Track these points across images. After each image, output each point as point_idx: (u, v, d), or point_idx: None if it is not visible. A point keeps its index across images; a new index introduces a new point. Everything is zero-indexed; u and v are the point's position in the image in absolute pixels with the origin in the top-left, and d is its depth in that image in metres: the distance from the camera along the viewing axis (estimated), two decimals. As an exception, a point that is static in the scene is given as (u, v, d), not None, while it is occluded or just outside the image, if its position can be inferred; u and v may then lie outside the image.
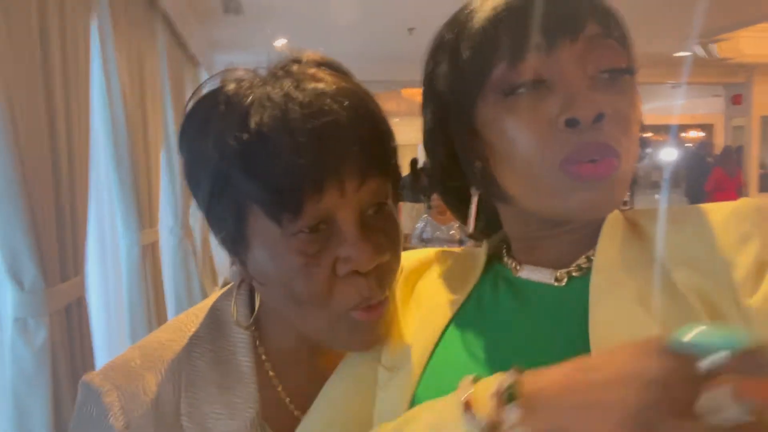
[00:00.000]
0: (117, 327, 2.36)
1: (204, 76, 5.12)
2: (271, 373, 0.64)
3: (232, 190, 0.52)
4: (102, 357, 2.05)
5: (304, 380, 0.64)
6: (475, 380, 0.40)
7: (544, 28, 0.46)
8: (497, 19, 0.47)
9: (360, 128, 0.52)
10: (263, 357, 0.64)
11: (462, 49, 0.50)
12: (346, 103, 0.52)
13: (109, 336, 2.29)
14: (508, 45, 0.47)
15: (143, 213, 2.54)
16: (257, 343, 0.64)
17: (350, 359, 0.59)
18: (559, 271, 0.51)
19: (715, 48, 5.12)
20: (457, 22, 0.51)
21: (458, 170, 0.55)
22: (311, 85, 0.52)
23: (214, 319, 0.64)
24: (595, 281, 0.47)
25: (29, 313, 1.47)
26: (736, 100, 7.30)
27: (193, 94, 0.61)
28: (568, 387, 0.34)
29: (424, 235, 3.92)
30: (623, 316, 0.44)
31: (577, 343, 0.44)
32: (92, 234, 2.17)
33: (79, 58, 1.77)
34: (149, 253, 2.63)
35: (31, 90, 1.45)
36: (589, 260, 0.50)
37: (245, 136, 0.50)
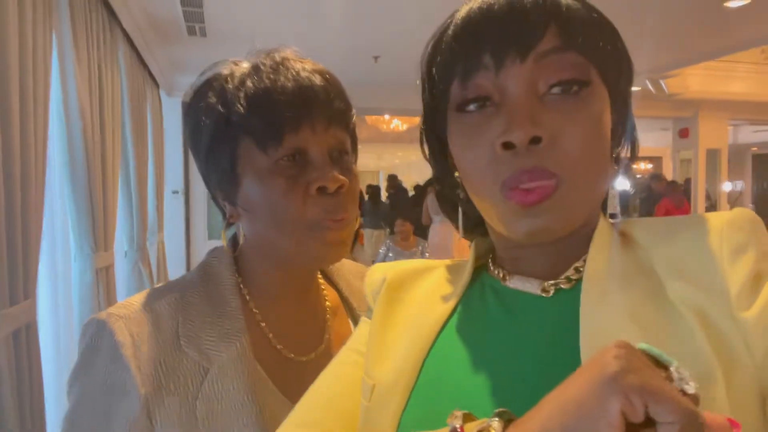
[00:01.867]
0: (67, 353, 2.24)
1: (164, 96, 5.04)
2: (255, 311, 0.75)
3: (231, 129, 0.69)
4: (51, 384, 1.93)
5: (284, 318, 0.77)
6: (465, 418, 0.38)
7: (493, 46, 0.45)
8: (456, 38, 0.47)
9: (329, 91, 0.71)
10: (247, 297, 0.75)
11: (432, 69, 0.51)
12: (320, 75, 0.71)
13: (58, 362, 2.17)
14: (462, 62, 0.47)
15: (98, 235, 2.44)
16: (241, 286, 0.76)
17: (338, 359, 0.59)
18: (546, 282, 0.50)
19: (663, 83, 5.37)
20: (437, 36, 0.51)
21: (445, 175, 0.56)
22: (296, 63, 0.72)
23: (204, 269, 0.76)
24: (586, 294, 0.45)
25: (-27, 339, 1.38)
26: (683, 133, 7.65)
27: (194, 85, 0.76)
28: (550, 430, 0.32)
29: (387, 261, 3.92)
30: (614, 330, 0.42)
31: (566, 356, 0.43)
32: (44, 255, 2.07)
33: (38, 73, 1.71)
34: (103, 277, 2.52)
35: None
36: (578, 271, 0.49)
37: (244, 89, 0.69)
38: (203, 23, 3.67)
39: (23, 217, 1.59)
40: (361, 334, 0.59)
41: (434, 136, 0.55)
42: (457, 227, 0.59)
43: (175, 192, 5.43)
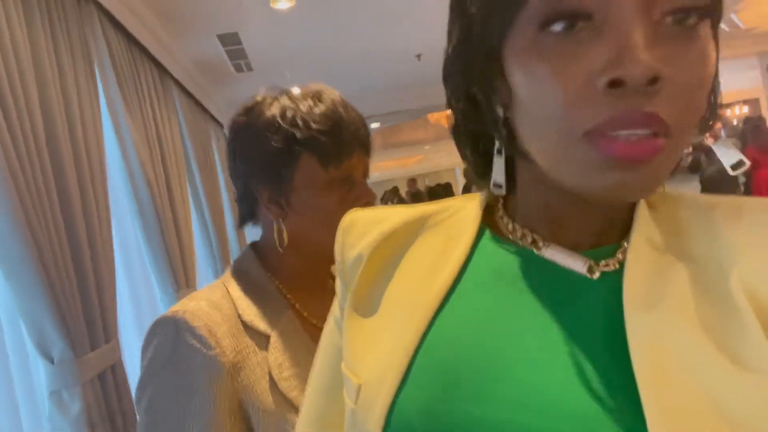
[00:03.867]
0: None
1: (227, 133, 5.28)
2: (288, 296, 0.87)
3: (296, 145, 0.83)
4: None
5: (311, 298, 0.90)
6: None
7: None
8: None
9: (363, 123, 0.88)
10: (280, 287, 0.88)
11: None
12: (352, 108, 0.88)
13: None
14: None
15: (178, 273, 2.59)
16: (274, 280, 0.88)
17: (323, 341, 0.57)
18: (591, 262, 0.42)
19: (736, 18, 4.92)
20: None
21: (476, 112, 0.45)
22: (343, 101, 0.88)
23: (234, 269, 0.89)
24: (630, 283, 0.39)
25: (62, 385, 1.50)
26: (773, 67, 6.96)
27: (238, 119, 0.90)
28: None
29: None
30: (663, 324, 0.37)
31: (614, 352, 0.38)
32: (126, 298, 2.22)
33: (86, 123, 1.84)
34: (188, 312, 2.66)
35: (38, 169, 1.50)
36: (623, 250, 0.42)
37: (315, 114, 0.83)
38: (247, 59, 3.82)
39: (94, 267, 1.72)
40: (331, 344, 0.55)
41: (475, 57, 0.42)
42: (476, 173, 0.49)
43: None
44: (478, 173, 0.50)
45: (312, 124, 0.82)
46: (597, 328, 0.39)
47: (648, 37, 0.34)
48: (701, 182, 5.25)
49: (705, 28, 0.37)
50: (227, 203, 4.43)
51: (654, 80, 0.34)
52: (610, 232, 0.43)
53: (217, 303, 0.80)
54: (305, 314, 0.87)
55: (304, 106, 0.84)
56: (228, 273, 0.88)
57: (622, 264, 0.42)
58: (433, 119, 8.75)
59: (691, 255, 0.40)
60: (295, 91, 0.87)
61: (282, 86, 0.90)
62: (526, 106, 0.39)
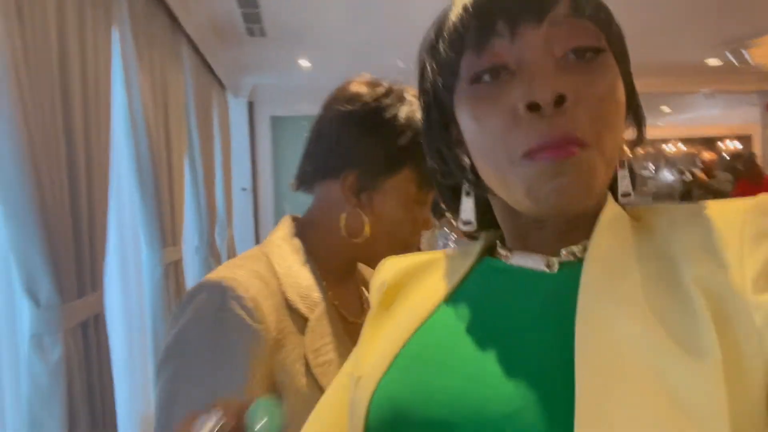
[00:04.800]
0: (138, 344, 2.36)
1: (230, 97, 5.23)
2: (324, 283, 0.86)
3: (405, 156, 0.84)
4: (121, 373, 2.05)
5: (343, 290, 0.91)
6: None
7: (507, 13, 0.45)
8: (467, 9, 0.47)
9: None
10: (319, 275, 0.86)
11: (439, 44, 0.50)
12: None
13: (130, 353, 2.30)
14: (474, 33, 0.46)
15: (166, 231, 2.57)
16: (320, 277, 0.87)
17: (333, 384, 0.59)
18: (549, 258, 0.48)
19: (747, 54, 4.96)
20: (438, 20, 0.52)
21: (447, 167, 0.54)
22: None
23: (282, 248, 0.86)
24: (588, 269, 0.43)
25: (45, 330, 1.48)
26: (771, 107, 7.05)
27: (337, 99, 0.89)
28: None
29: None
30: (613, 310, 0.40)
31: (562, 332, 0.41)
32: (114, 251, 2.20)
33: (99, 74, 1.81)
34: (172, 272, 2.64)
35: (48, 104, 1.47)
36: (586, 249, 0.47)
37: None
38: (261, 23, 3.75)
39: (89, 215, 1.69)
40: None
41: (435, 121, 0.54)
42: (456, 219, 0.57)
43: (243, 189, 5.62)
44: (460, 221, 0.58)
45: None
46: (551, 314, 0.44)
47: (552, 69, 0.44)
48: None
49: (604, 58, 0.46)
50: (220, 167, 4.38)
51: (560, 98, 0.43)
52: (571, 239, 0.49)
53: (263, 276, 0.78)
54: (336, 303, 0.87)
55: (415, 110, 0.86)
56: (271, 244, 0.86)
57: (582, 258, 0.46)
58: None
59: (658, 254, 0.44)
60: (412, 91, 0.87)
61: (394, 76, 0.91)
62: (477, 145, 0.48)
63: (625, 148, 0.51)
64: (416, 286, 0.58)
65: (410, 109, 0.85)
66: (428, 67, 0.53)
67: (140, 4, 2.37)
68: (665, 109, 8.51)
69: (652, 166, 10.79)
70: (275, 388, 0.75)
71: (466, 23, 0.47)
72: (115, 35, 2.09)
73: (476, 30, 0.46)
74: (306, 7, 3.51)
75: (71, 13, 1.63)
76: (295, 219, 0.91)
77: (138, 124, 2.30)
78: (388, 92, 0.87)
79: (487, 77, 0.46)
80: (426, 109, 0.55)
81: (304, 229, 0.89)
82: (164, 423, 0.72)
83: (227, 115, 4.98)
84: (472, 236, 0.61)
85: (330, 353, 0.79)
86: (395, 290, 0.58)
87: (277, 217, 6.42)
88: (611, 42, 0.47)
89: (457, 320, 0.50)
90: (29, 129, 1.34)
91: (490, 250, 0.57)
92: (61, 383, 1.47)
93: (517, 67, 0.45)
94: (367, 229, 0.85)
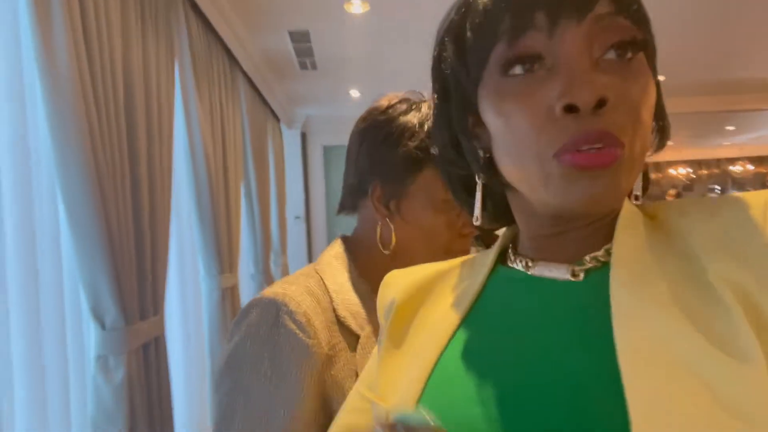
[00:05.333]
0: (196, 366, 2.43)
1: (284, 129, 5.40)
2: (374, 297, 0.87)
3: (426, 154, 0.83)
4: (179, 393, 2.12)
5: None
6: None
7: (548, 5, 0.42)
8: None
9: None
10: (369, 292, 0.85)
11: (466, 28, 0.47)
12: None
13: (187, 374, 2.37)
14: (508, 23, 0.43)
15: (223, 258, 2.66)
16: (364, 274, 0.87)
17: (348, 405, 0.58)
18: (575, 266, 0.46)
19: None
20: (464, 2, 0.48)
21: (463, 158, 0.52)
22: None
23: (332, 266, 0.87)
24: (616, 274, 0.42)
25: (109, 351, 1.56)
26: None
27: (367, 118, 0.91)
28: None
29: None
30: (649, 311, 0.39)
31: (601, 341, 0.40)
32: (174, 277, 2.29)
33: (162, 104, 1.92)
34: (228, 296, 2.73)
35: (115, 135, 1.58)
36: (608, 253, 0.45)
37: None
38: (313, 57, 3.89)
39: (151, 242, 1.78)
40: (371, 370, 0.58)
41: (455, 109, 0.51)
42: (472, 214, 0.55)
43: (297, 217, 5.75)
44: (473, 214, 0.56)
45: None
46: (582, 326, 0.43)
47: (592, 70, 0.42)
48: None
49: (640, 61, 0.44)
50: (274, 196, 4.52)
51: (601, 102, 0.41)
52: (594, 243, 0.47)
53: (315, 292, 0.79)
54: None
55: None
56: (323, 262, 0.87)
57: (607, 263, 0.45)
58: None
59: (679, 252, 0.43)
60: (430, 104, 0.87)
61: (419, 93, 0.91)
62: (503, 141, 0.46)
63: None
64: (431, 302, 0.55)
65: (425, 113, 0.85)
66: (450, 52, 0.49)
67: (199, 40, 2.52)
68: (730, 127, 8.17)
69: (718, 188, 10.31)
70: (326, 405, 0.75)
71: (500, 11, 0.44)
72: (176, 68, 2.22)
73: (512, 20, 0.43)
74: (354, 40, 3.62)
75: (135, 46, 1.75)
76: (345, 238, 0.92)
77: (197, 155, 2.41)
78: (401, 102, 0.88)
79: (519, 69, 0.44)
80: (442, 95, 0.52)
81: (352, 248, 0.90)
82: None
83: (282, 145, 5.15)
84: (490, 231, 0.59)
85: None
86: (407, 308, 0.56)
87: (329, 243, 6.52)
88: (648, 41, 0.45)
89: (483, 340, 0.47)
90: (96, 159, 1.44)
91: (502, 257, 0.54)
92: (124, 402, 1.54)
93: (553, 65, 0.43)
94: (393, 239, 0.85)
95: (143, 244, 1.72)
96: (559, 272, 0.47)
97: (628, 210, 0.46)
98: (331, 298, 0.80)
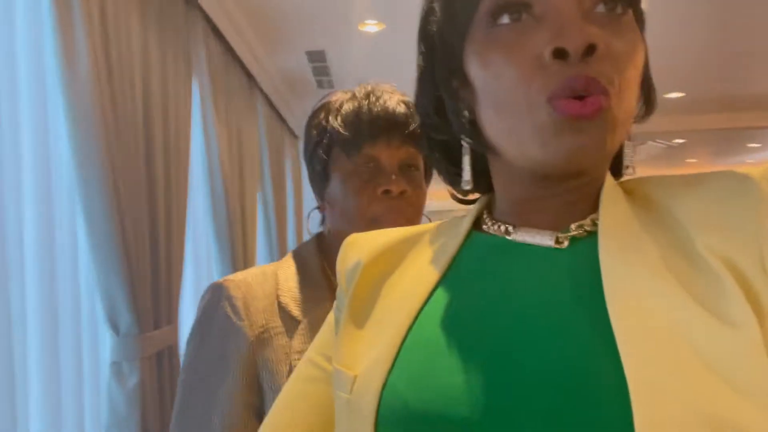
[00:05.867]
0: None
1: (301, 146, 5.48)
2: (332, 278, 0.89)
3: (328, 139, 0.87)
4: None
5: None
6: None
7: None
8: None
9: (408, 116, 0.86)
10: (328, 270, 0.90)
11: None
12: (404, 104, 0.88)
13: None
14: None
15: (238, 267, 2.70)
16: (325, 266, 0.91)
17: (297, 374, 0.57)
18: (558, 234, 0.45)
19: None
20: None
21: (446, 122, 0.51)
22: (385, 94, 0.88)
23: (294, 253, 0.93)
24: (605, 243, 0.41)
25: (123, 357, 1.60)
26: None
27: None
28: None
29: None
30: (641, 278, 0.38)
31: (591, 309, 0.39)
32: (189, 287, 2.34)
33: (179, 120, 1.99)
34: (243, 310, 2.76)
35: (133, 149, 1.63)
36: (594, 224, 0.45)
37: (342, 110, 0.87)
38: (330, 76, 3.96)
39: (167, 253, 1.83)
40: (325, 338, 0.56)
41: (440, 68, 0.50)
42: (449, 181, 0.54)
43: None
44: (452, 182, 0.55)
45: (338, 117, 0.87)
46: (572, 291, 0.41)
47: (581, 18, 0.41)
48: None
49: (630, 17, 0.44)
50: (291, 210, 4.57)
51: (591, 48, 0.40)
52: (576, 213, 0.46)
53: (264, 279, 0.85)
54: None
55: (339, 102, 0.89)
56: (288, 254, 0.93)
57: (593, 232, 0.44)
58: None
59: (665, 224, 0.42)
60: (359, 92, 0.90)
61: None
62: (490, 93, 0.44)
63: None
64: (401, 267, 0.52)
65: (326, 102, 0.90)
66: (437, 8, 0.49)
67: (218, 58, 2.59)
68: (754, 145, 8.05)
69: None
70: (256, 384, 0.80)
71: None
72: (195, 86, 2.29)
73: None
74: (369, 58, 3.68)
75: (155, 64, 1.82)
76: (320, 233, 0.96)
77: (214, 170, 2.47)
78: (320, 105, 0.93)
79: (506, 18, 0.43)
80: (428, 55, 0.51)
81: (323, 241, 0.94)
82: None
83: (299, 162, 5.23)
84: (466, 201, 0.57)
85: None
86: (374, 270, 0.53)
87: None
88: (636, 3, 0.45)
89: (461, 305, 0.45)
90: (115, 172, 1.49)
91: (476, 224, 0.52)
92: (137, 408, 1.57)
93: (542, 13, 0.42)
94: (327, 225, 0.90)
95: (158, 256, 1.77)
96: (542, 239, 0.46)
97: (611, 182, 0.46)
98: (277, 285, 0.85)
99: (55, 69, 1.36)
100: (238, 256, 2.69)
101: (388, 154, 0.85)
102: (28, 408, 1.32)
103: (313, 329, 0.81)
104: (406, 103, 0.88)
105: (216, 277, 2.63)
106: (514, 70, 0.42)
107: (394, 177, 0.84)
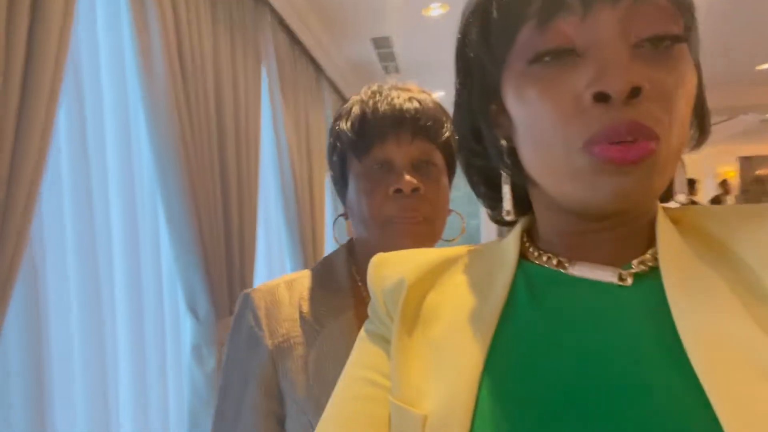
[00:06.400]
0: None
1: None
2: (360, 284, 0.87)
3: (342, 144, 0.85)
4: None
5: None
6: None
7: None
8: None
9: (418, 111, 0.82)
10: (356, 276, 0.88)
11: (492, 8, 0.44)
12: (416, 100, 0.84)
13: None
14: (539, 3, 0.40)
15: (308, 258, 2.78)
16: (353, 269, 0.89)
17: (350, 391, 0.50)
18: (621, 270, 0.43)
19: None
20: None
21: (483, 148, 0.49)
22: (393, 91, 0.86)
23: (325, 260, 0.91)
24: (669, 278, 0.39)
25: (203, 341, 1.69)
26: None
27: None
28: None
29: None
30: (713, 315, 0.36)
31: (667, 343, 0.37)
32: (261, 274, 2.43)
33: (249, 109, 2.05)
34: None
35: (206, 140, 1.71)
36: (656, 259, 0.42)
37: (351, 114, 0.85)
38: (395, 61, 3.95)
39: (240, 243, 1.91)
40: (371, 355, 0.50)
41: (477, 96, 0.48)
42: (488, 205, 0.53)
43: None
44: (491, 206, 0.53)
45: (347, 121, 0.84)
46: (645, 332, 0.39)
47: (626, 57, 0.38)
48: None
49: (680, 49, 0.40)
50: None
51: (635, 91, 0.37)
52: (631, 247, 0.44)
53: (290, 287, 0.85)
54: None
55: (351, 108, 0.86)
56: (321, 259, 0.92)
57: (654, 267, 0.42)
58: None
59: (724, 260, 0.40)
60: (365, 93, 0.88)
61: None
62: (526, 130, 0.43)
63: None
64: (448, 290, 0.49)
65: (339, 109, 0.88)
66: (474, 34, 0.46)
67: (285, 49, 2.65)
68: None
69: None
70: (279, 398, 0.80)
71: None
72: (264, 78, 2.35)
73: (541, 1, 0.40)
74: (435, 42, 3.64)
75: (225, 58, 1.88)
76: (351, 240, 0.93)
77: (284, 161, 2.54)
78: (339, 110, 0.90)
79: (549, 57, 0.40)
80: (465, 80, 0.49)
81: (354, 247, 0.91)
82: None
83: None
84: (503, 223, 0.53)
85: (336, 368, 0.76)
86: (418, 290, 0.49)
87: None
88: (688, 27, 0.41)
89: (533, 345, 0.42)
90: (190, 163, 1.57)
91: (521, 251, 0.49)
92: (215, 389, 1.66)
93: (585, 47, 0.39)
94: (348, 232, 0.88)
95: (232, 245, 1.85)
96: (604, 275, 0.43)
97: (662, 215, 0.44)
98: (301, 294, 0.85)
99: (135, 70, 1.44)
100: (308, 245, 2.76)
101: (398, 153, 0.82)
102: (118, 389, 1.43)
103: (333, 339, 0.79)
104: (418, 99, 0.85)
105: (288, 265, 2.71)
106: (552, 111, 0.40)
107: (405, 175, 0.81)
